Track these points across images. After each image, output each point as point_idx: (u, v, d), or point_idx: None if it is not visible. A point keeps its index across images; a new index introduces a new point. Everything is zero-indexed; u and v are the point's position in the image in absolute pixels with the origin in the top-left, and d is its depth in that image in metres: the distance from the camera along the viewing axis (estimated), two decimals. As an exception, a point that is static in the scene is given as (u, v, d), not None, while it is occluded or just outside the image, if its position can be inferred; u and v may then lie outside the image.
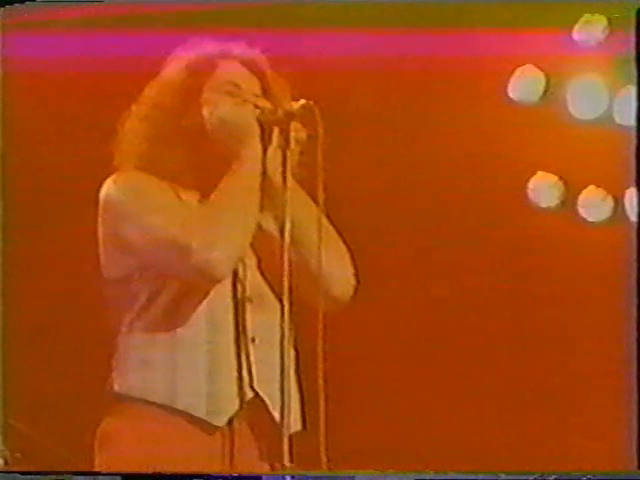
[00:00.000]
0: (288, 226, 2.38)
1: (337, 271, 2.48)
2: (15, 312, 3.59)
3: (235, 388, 2.43)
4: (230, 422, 2.42)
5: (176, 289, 2.43)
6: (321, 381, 2.32)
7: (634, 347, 3.20)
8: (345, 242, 2.55)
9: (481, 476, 2.95)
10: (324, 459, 2.32)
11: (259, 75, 2.52)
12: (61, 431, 3.61)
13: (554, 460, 3.61)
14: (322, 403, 2.33)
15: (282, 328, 2.34)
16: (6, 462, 3.21)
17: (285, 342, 2.34)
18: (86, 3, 3.68)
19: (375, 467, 3.28)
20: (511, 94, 3.89)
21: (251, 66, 2.52)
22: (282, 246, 2.36)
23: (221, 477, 2.48)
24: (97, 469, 2.49)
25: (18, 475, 3.10)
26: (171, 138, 2.46)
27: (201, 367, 2.42)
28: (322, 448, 2.31)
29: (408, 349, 3.84)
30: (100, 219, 2.49)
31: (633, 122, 3.42)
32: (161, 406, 2.40)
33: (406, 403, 3.81)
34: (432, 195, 3.85)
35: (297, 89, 2.44)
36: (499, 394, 3.83)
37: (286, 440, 2.34)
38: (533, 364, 3.85)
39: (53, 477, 2.84)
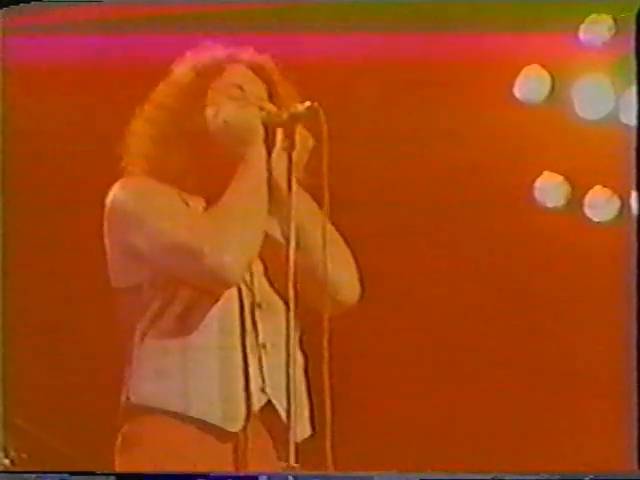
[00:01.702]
0: (293, 230, 2.37)
1: (342, 276, 2.47)
2: (25, 319, 3.60)
3: (248, 394, 2.43)
4: (244, 428, 2.42)
5: (187, 297, 2.42)
6: (328, 384, 2.32)
7: (635, 347, 3.20)
8: (349, 246, 2.55)
9: (482, 476, 2.96)
10: (330, 460, 2.32)
11: (266, 80, 2.52)
12: (66, 432, 3.62)
13: (554, 460, 3.62)
14: (329, 406, 2.33)
15: (288, 333, 2.34)
16: (12, 462, 3.21)
17: (292, 347, 2.34)
18: (88, 4, 3.66)
19: (381, 468, 3.29)
20: (517, 94, 3.89)
21: (258, 71, 2.52)
22: (287, 251, 2.36)
23: (224, 477, 2.48)
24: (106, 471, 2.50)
25: (24, 475, 3.10)
26: (177, 140, 2.46)
27: (214, 374, 2.42)
28: (329, 450, 2.32)
29: (413, 352, 3.84)
30: (107, 227, 2.47)
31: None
32: (176, 414, 2.40)
33: (411, 404, 3.82)
34: (437, 196, 3.86)
35: (304, 92, 2.44)
36: (501, 395, 3.84)
37: (293, 443, 2.34)
38: (536, 364, 3.86)
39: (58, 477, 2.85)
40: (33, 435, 3.44)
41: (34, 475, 2.86)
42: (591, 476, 2.87)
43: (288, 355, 2.32)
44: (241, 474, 2.44)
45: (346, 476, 2.62)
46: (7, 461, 3.18)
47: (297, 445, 2.34)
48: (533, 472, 3.12)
